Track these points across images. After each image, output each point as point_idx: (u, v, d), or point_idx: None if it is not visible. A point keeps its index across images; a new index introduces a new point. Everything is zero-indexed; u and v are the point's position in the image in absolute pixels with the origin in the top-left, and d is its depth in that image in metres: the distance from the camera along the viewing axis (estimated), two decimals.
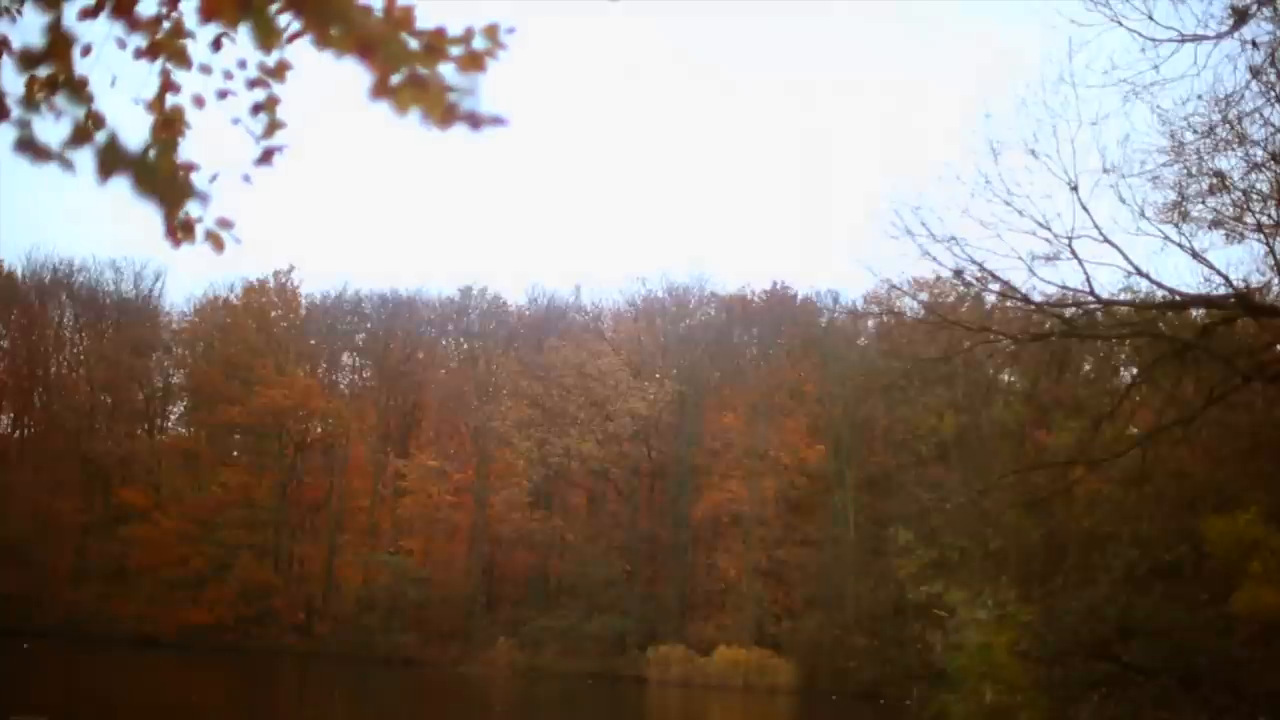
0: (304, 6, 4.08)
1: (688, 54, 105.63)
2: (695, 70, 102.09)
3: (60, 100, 4.04)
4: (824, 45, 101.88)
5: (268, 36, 4.29)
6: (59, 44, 4.07)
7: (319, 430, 66.66)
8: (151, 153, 4.50)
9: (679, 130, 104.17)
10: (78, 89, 4.14)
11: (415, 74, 3.86)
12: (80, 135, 3.89)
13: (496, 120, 3.88)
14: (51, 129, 4.08)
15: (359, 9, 3.99)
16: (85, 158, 4.13)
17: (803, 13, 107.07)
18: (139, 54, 4.74)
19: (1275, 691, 29.25)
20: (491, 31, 4.05)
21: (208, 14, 4.53)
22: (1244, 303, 19.48)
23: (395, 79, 3.87)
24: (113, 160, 3.78)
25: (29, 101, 4.03)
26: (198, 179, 4.48)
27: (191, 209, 4.19)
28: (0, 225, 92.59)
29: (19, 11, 4.40)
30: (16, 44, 4.41)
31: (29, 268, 68.67)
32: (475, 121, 3.83)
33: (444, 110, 3.84)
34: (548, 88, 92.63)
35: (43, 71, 4.08)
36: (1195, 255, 19.50)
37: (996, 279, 20.48)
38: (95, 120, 4.63)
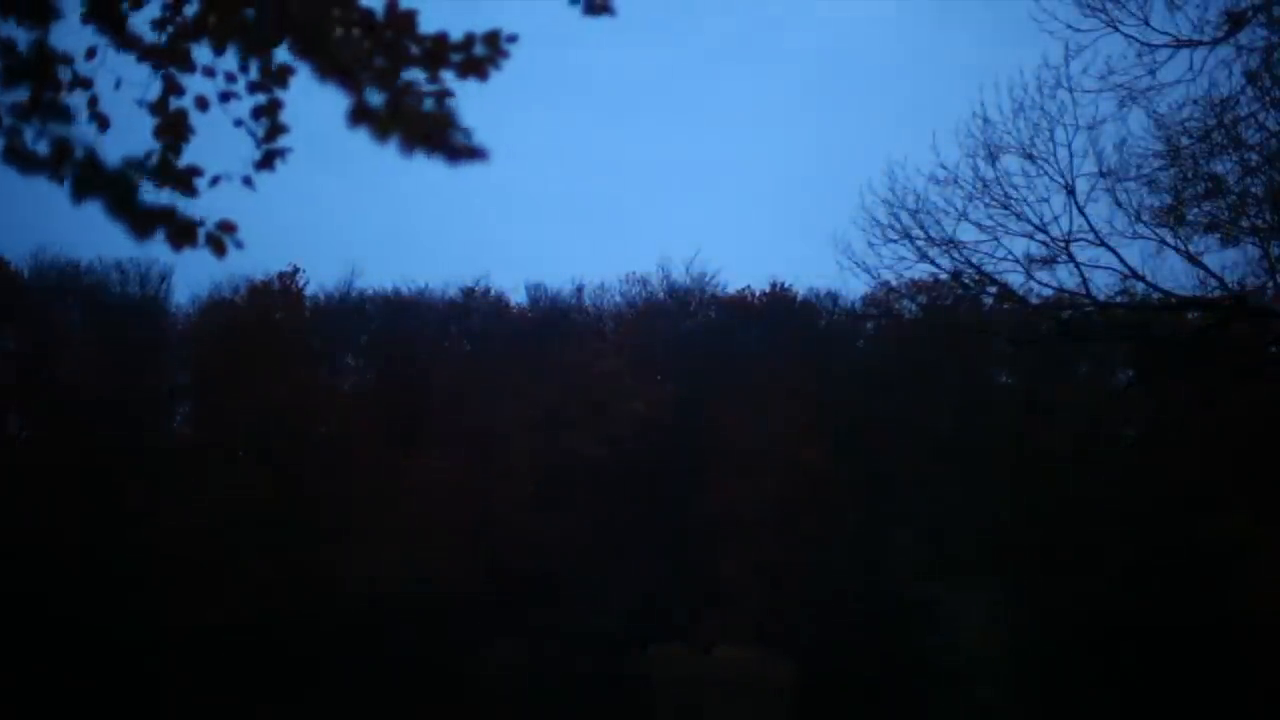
0: (285, 29, 4.16)
1: (687, 52, 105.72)
2: (694, 70, 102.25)
3: (43, 118, 4.09)
4: (822, 45, 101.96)
5: (257, 54, 4.40)
6: (42, 62, 4.13)
7: (323, 430, 66.68)
8: (154, 157, 4.59)
9: (679, 129, 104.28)
10: (58, 108, 4.18)
11: (395, 100, 3.91)
12: (60, 154, 3.94)
13: (476, 152, 3.91)
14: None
15: (338, 39, 4.05)
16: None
17: (801, 10, 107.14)
18: (142, 57, 4.81)
19: (1273, 690, 29.34)
20: (493, 39, 4.09)
21: (200, 33, 4.61)
22: (1239, 305, 19.61)
23: (374, 102, 3.92)
24: (90, 181, 3.85)
25: (18, 111, 4.09)
26: (200, 183, 4.56)
27: (192, 213, 4.25)
28: (5, 227, 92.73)
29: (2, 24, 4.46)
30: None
31: (35, 269, 68.75)
32: (453, 151, 3.88)
33: (423, 138, 3.88)
34: (547, 86, 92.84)
35: (27, 89, 4.14)
36: (1191, 258, 19.65)
37: (994, 281, 20.63)
38: (100, 121, 4.71)
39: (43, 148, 3.96)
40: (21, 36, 4.21)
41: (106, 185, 3.86)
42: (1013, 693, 38.77)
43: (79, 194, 3.83)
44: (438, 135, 3.86)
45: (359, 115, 3.88)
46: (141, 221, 3.95)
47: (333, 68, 3.90)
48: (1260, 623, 27.44)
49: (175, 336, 70.35)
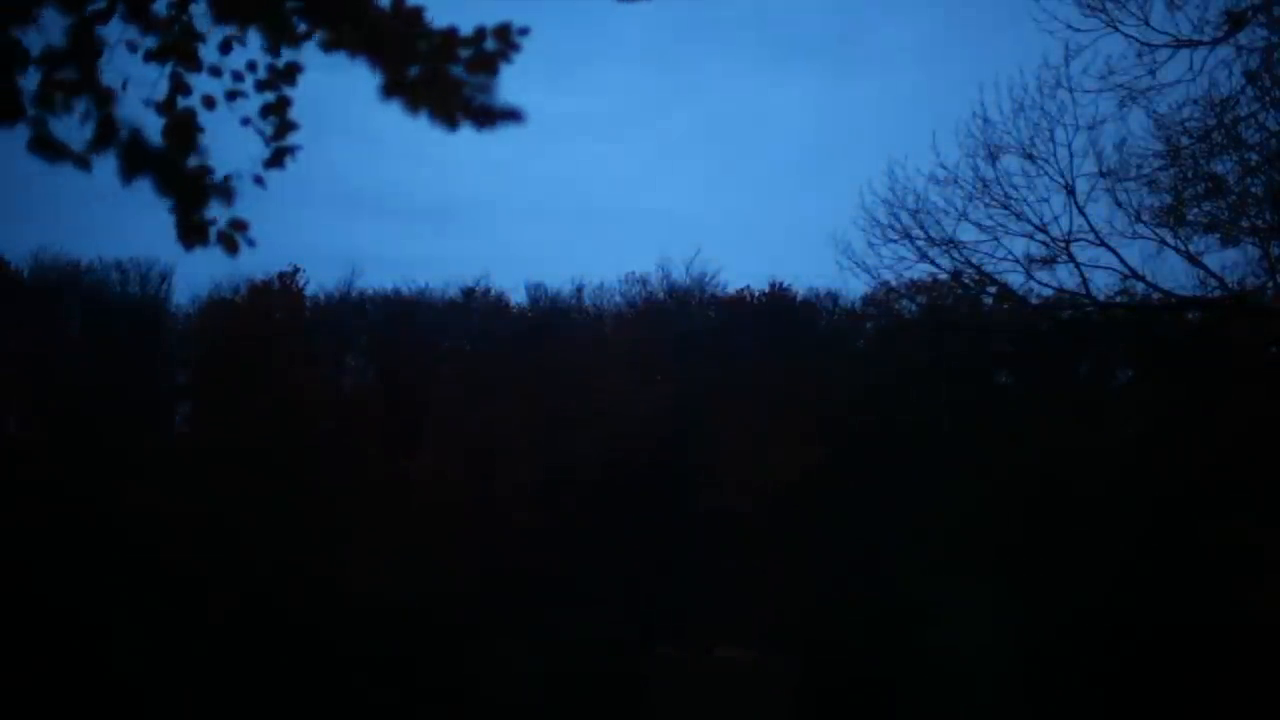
0: (318, 5, 4.15)
1: (688, 52, 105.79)
2: (695, 70, 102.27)
3: (82, 103, 4.09)
4: (822, 45, 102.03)
5: (281, 36, 4.38)
6: (82, 46, 4.13)
7: (323, 431, 66.67)
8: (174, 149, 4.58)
9: (678, 129, 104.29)
10: (100, 91, 4.19)
11: (429, 71, 3.90)
12: (104, 136, 3.95)
13: (511, 114, 3.90)
14: (65, 129, 4.13)
15: (372, 6, 4.05)
16: (104, 158, 4.18)
17: (802, 9, 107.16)
18: (150, 57, 4.80)
19: (1274, 689, 29.37)
20: (503, 32, 4.07)
21: (221, 15, 4.60)
22: (1239, 305, 19.65)
23: (410, 74, 3.92)
24: (137, 161, 3.87)
25: (44, 101, 4.08)
26: (213, 182, 4.57)
27: (205, 211, 4.25)
28: (5, 227, 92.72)
29: (39, 13, 4.45)
30: (34, 47, 4.47)
31: (35, 269, 68.77)
32: (489, 116, 3.88)
33: (459, 106, 3.87)
34: (546, 85, 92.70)
35: (64, 74, 4.13)
36: (1191, 258, 19.70)
37: (994, 281, 20.70)
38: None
39: (76, 134, 3.97)
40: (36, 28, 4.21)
41: (154, 163, 3.87)
42: (1013, 693, 38.76)
43: (129, 173, 3.84)
44: (472, 101, 3.84)
45: (392, 89, 3.87)
46: (192, 197, 3.97)
47: (364, 44, 3.89)
48: (1262, 623, 27.46)
49: (175, 336, 70.35)
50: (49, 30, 4.21)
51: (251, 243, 4.32)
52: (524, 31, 4.05)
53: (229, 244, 4.32)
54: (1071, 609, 34.94)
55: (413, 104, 3.89)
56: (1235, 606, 27.06)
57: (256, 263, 66.87)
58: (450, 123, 3.92)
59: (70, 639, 54.46)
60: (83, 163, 3.95)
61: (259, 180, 4.73)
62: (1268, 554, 25.78)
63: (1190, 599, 31.31)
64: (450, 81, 3.88)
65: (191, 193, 4.01)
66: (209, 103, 4.84)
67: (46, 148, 3.96)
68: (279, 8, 4.08)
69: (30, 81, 4.15)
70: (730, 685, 52.38)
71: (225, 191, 4.08)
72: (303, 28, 4.20)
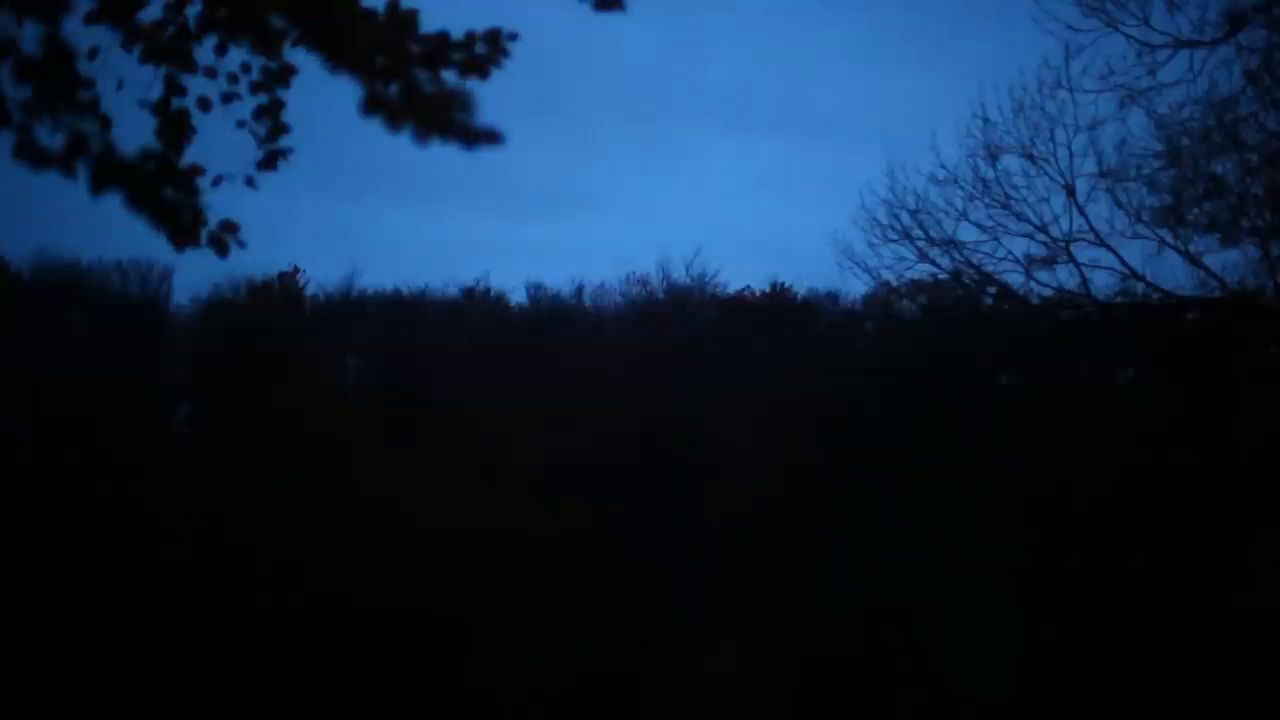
0: (303, 17, 4.13)
1: (689, 51, 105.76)
2: (694, 68, 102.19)
3: (60, 111, 4.06)
4: (825, 44, 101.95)
5: (268, 46, 4.36)
6: (55, 57, 4.10)
7: (323, 430, 66.62)
8: (152, 161, 4.56)
9: (678, 128, 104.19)
10: (76, 101, 4.16)
11: (411, 88, 3.89)
12: (76, 147, 3.92)
13: (491, 135, 3.89)
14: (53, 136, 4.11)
15: (361, 20, 4.02)
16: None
17: (803, 9, 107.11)
18: (145, 58, 4.78)
19: (1275, 689, 29.37)
20: (494, 37, 4.06)
21: (208, 26, 4.59)
22: (1239, 305, 19.64)
23: (390, 91, 3.90)
24: (107, 173, 3.84)
25: (31, 109, 4.06)
26: (201, 182, 4.54)
27: (194, 213, 4.23)
28: (5, 227, 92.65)
29: (20, 24, 4.42)
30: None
31: (35, 270, 68.75)
32: (470, 136, 3.86)
33: (441, 125, 3.86)
34: (545, 84, 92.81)
35: (42, 83, 4.11)
36: (1191, 258, 19.70)
37: (994, 281, 20.73)
38: (103, 122, 4.67)
39: (57, 143, 3.94)
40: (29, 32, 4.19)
41: (125, 177, 3.85)
42: (1013, 693, 38.78)
43: (97, 187, 3.82)
44: (453, 120, 3.83)
45: (372, 105, 3.86)
46: (162, 213, 3.95)
47: (345, 59, 3.87)
48: (1263, 624, 27.47)
49: (175, 336, 70.34)
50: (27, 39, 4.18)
51: (242, 244, 4.31)
52: (513, 37, 4.05)
53: (220, 246, 4.32)
54: (1071, 609, 34.93)
55: (394, 121, 3.87)
56: (1235, 606, 27.06)
57: (257, 262, 66.88)
58: (433, 139, 3.89)
59: (70, 639, 54.42)
60: (68, 170, 3.93)
61: (250, 182, 4.72)
62: (1268, 554, 25.78)
63: (1190, 599, 31.30)
64: (434, 97, 3.87)
65: (170, 203, 3.99)
66: (204, 104, 4.83)
67: (31, 154, 3.95)
68: (265, 21, 4.06)
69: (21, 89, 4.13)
70: (730, 686, 52.35)
71: (197, 211, 4.06)
72: (292, 35, 4.18)
